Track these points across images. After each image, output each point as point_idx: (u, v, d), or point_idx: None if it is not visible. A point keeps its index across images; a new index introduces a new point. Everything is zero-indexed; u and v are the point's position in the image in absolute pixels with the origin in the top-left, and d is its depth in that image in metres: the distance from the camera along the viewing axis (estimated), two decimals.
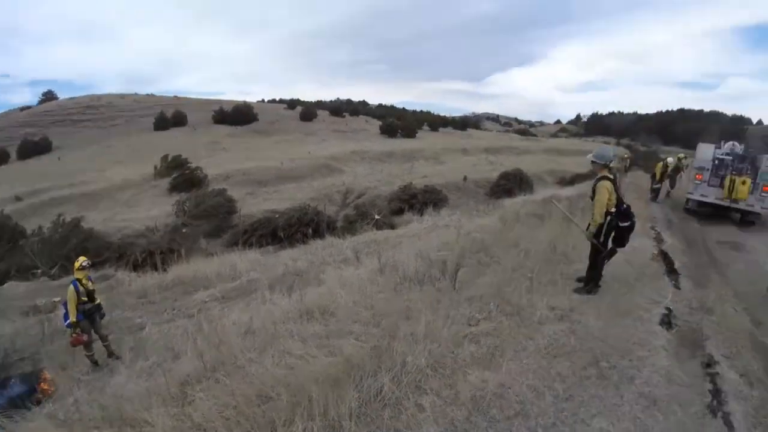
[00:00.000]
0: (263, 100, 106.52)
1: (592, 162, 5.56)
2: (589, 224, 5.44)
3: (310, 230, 17.46)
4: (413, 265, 6.56)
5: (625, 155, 27.54)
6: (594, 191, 5.38)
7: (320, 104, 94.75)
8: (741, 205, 12.15)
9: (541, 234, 7.94)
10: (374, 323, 4.64)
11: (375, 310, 5.02)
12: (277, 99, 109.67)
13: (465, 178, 32.21)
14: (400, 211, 22.39)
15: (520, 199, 16.74)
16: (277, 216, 19.25)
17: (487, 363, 3.89)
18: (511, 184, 27.56)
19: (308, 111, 71.22)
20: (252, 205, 25.22)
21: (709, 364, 4.11)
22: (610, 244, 5.48)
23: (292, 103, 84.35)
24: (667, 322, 4.85)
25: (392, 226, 17.89)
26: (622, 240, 5.43)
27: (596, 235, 5.39)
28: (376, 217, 18.89)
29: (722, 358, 4.22)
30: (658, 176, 15.81)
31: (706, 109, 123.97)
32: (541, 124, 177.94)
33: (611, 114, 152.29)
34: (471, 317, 4.78)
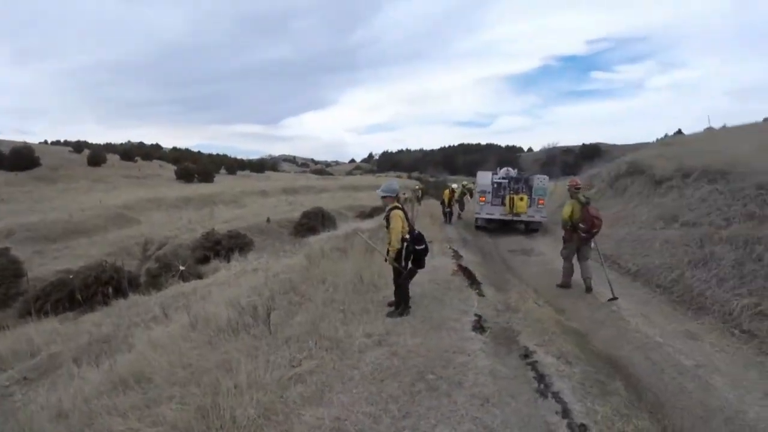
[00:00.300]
0: (46, 142, 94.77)
1: (383, 197, 6.03)
2: (388, 250, 5.81)
3: (111, 289, 16.31)
4: (225, 315, 6.53)
5: (417, 186, 30.51)
6: (388, 221, 5.80)
7: (110, 147, 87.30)
8: (523, 218, 14.87)
9: (347, 266, 8.26)
10: (194, 382, 4.46)
11: (193, 368, 4.88)
12: (62, 140, 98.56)
13: (268, 220, 32.72)
14: (205, 260, 22.16)
15: (325, 236, 17.47)
16: (71, 276, 17.72)
17: (318, 400, 3.85)
18: (314, 221, 28.47)
19: (97, 154, 64.25)
20: (42, 266, 23.15)
21: (526, 355, 4.57)
22: (410, 267, 5.91)
23: (78, 146, 74.63)
24: (479, 327, 5.27)
25: (200, 276, 17.52)
26: (420, 261, 5.90)
27: (397, 260, 5.76)
28: (181, 268, 18.11)
29: (536, 347, 4.74)
30: (447, 202, 18.04)
31: (483, 142, 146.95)
32: (337, 163, 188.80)
33: (400, 151, 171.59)
34: (292, 358, 4.75)
